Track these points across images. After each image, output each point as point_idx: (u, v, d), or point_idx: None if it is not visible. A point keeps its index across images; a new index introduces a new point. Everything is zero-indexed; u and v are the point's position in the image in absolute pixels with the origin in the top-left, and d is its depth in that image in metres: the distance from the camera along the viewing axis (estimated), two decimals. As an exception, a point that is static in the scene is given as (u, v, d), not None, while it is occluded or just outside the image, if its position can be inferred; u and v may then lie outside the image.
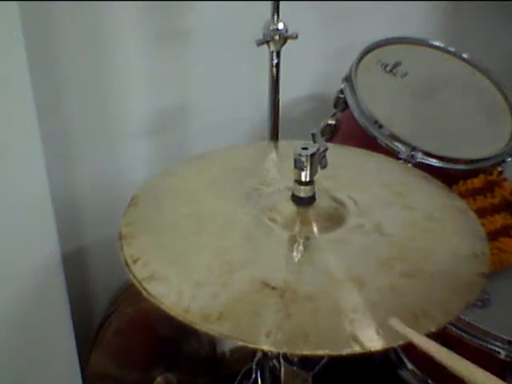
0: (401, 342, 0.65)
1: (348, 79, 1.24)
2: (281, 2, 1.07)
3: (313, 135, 1.28)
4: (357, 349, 0.62)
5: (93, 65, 1.21)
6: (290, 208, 0.81)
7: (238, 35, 1.23)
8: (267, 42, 1.08)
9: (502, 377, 0.94)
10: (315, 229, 0.79)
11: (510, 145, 1.22)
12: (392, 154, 1.14)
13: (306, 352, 0.64)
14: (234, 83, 1.36)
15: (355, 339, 0.63)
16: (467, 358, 0.98)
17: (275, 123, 1.17)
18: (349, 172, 0.93)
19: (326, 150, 0.79)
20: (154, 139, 1.33)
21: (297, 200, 0.81)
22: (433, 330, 0.66)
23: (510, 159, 1.20)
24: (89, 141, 1.26)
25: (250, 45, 1.07)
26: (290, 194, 0.81)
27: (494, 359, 0.93)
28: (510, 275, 1.03)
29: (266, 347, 0.64)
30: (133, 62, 1.25)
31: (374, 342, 0.63)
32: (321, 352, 0.63)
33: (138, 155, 1.33)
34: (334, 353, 0.62)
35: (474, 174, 1.15)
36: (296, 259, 0.75)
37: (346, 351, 0.62)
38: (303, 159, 0.77)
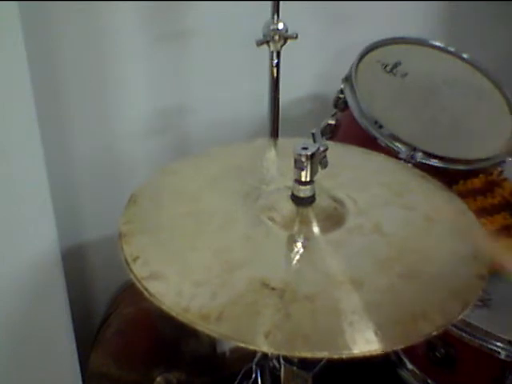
0: (399, 346, 0.65)
1: (348, 79, 1.24)
2: (281, 2, 1.07)
3: (313, 135, 1.28)
4: (355, 351, 0.62)
5: (93, 65, 1.21)
6: (289, 207, 0.80)
7: (238, 35, 1.23)
8: (267, 42, 1.08)
9: (502, 377, 0.94)
10: (315, 229, 0.78)
11: (510, 145, 1.22)
12: (392, 153, 1.14)
13: (305, 354, 0.64)
14: (234, 83, 1.36)
15: (354, 341, 0.63)
16: (467, 358, 0.98)
17: (275, 123, 1.17)
18: (349, 172, 0.92)
19: (327, 149, 0.79)
20: (154, 139, 1.33)
21: (296, 200, 0.80)
22: (433, 333, 0.66)
23: (510, 159, 1.20)
24: (89, 140, 1.26)
25: (250, 45, 1.07)
26: (289, 193, 0.81)
27: (494, 359, 0.93)
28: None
29: (264, 348, 0.64)
30: (133, 61, 1.25)
31: (372, 344, 0.63)
32: (319, 354, 0.63)
33: (138, 155, 1.33)
34: (333, 355, 0.62)
35: (474, 174, 1.15)
36: (295, 259, 0.75)
37: (344, 354, 0.62)
38: (303, 159, 0.77)
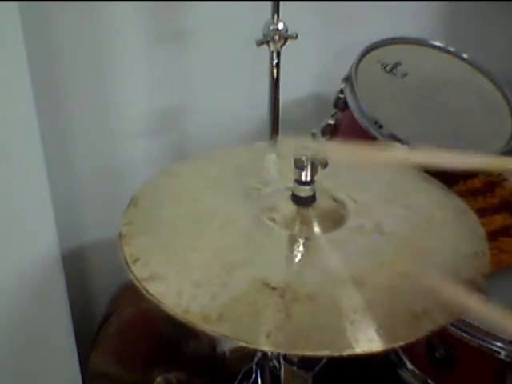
0: (400, 344, 0.65)
1: (348, 79, 1.23)
2: (281, 2, 1.07)
3: (313, 135, 1.28)
4: (357, 350, 0.62)
5: (93, 65, 1.21)
6: (289, 208, 0.80)
7: (238, 35, 1.23)
8: (267, 42, 1.08)
9: (502, 377, 0.94)
10: (315, 229, 0.78)
11: (510, 145, 1.22)
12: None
13: (307, 352, 0.64)
14: (234, 83, 1.36)
15: (356, 340, 0.63)
16: (467, 358, 0.98)
17: (275, 123, 1.17)
18: (349, 172, 0.92)
19: (326, 149, 0.79)
20: (153, 139, 1.33)
21: (297, 200, 0.80)
22: (433, 330, 0.66)
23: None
24: (89, 141, 1.26)
25: (250, 45, 1.07)
26: (289, 193, 0.81)
27: (494, 359, 0.93)
28: (510, 275, 1.03)
29: (266, 348, 0.64)
30: (133, 61, 1.25)
31: (374, 342, 0.63)
32: (321, 353, 0.63)
33: (138, 155, 1.33)
34: (335, 353, 0.62)
35: (474, 174, 1.15)
36: (296, 259, 0.75)
37: (346, 352, 0.62)
38: (303, 159, 0.77)
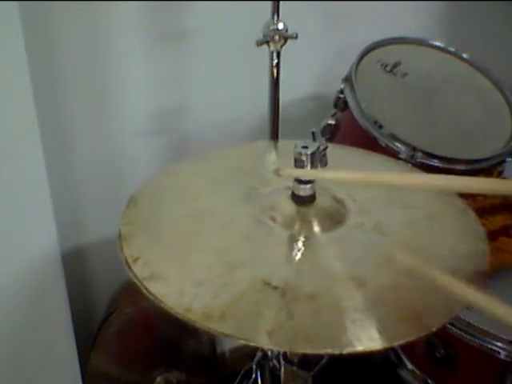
0: (401, 342, 0.65)
1: (348, 79, 1.24)
2: (281, 2, 1.07)
3: (313, 134, 1.28)
4: (358, 348, 0.62)
5: (93, 65, 1.21)
6: (290, 207, 0.81)
7: (238, 35, 1.23)
8: (267, 42, 1.08)
9: (502, 377, 0.95)
10: (315, 228, 0.79)
11: (510, 145, 1.22)
12: (392, 153, 1.14)
13: (308, 351, 0.64)
14: (234, 83, 1.36)
15: (357, 338, 0.64)
16: (467, 358, 0.98)
17: (275, 123, 1.17)
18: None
19: (326, 148, 0.80)
20: (153, 139, 1.33)
21: (297, 199, 0.81)
22: (434, 328, 0.66)
23: (510, 159, 1.20)
24: (89, 141, 1.26)
25: (250, 45, 1.07)
26: (289, 193, 0.81)
27: (494, 359, 0.93)
28: (510, 275, 1.03)
29: (267, 346, 0.64)
30: (133, 61, 1.25)
31: (375, 341, 0.63)
32: (322, 351, 0.63)
33: (138, 155, 1.33)
34: (336, 352, 0.62)
35: (474, 174, 1.16)
36: (296, 258, 0.75)
37: (347, 350, 0.62)
38: (303, 158, 0.77)
